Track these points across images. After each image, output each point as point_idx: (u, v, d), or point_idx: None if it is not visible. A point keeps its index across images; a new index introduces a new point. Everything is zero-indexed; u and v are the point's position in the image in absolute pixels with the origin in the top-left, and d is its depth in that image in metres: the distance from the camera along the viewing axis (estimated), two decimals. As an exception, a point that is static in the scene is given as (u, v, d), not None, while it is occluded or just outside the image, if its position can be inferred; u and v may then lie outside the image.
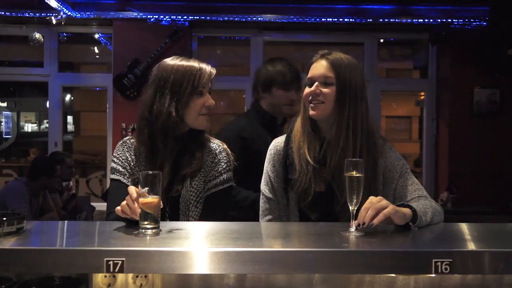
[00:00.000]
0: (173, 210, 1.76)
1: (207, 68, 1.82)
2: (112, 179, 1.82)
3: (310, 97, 1.74)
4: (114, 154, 1.86)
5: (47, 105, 5.98)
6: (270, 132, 2.40)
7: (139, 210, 1.38)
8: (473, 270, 1.23)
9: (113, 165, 1.83)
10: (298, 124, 1.80)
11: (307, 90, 1.76)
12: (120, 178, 1.79)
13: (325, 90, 1.73)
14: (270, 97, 2.50)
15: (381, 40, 6.10)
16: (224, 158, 1.86)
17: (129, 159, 1.81)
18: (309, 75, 1.78)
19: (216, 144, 1.90)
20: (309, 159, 1.72)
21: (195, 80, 1.77)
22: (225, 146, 1.92)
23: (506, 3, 5.00)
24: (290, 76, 2.35)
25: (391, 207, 1.37)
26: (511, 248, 1.24)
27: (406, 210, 1.43)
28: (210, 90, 1.84)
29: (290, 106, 2.26)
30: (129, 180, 1.78)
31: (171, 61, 1.82)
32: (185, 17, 5.45)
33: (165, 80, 1.78)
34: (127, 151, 1.83)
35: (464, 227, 1.52)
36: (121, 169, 1.81)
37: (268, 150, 1.88)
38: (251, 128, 2.50)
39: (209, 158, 1.85)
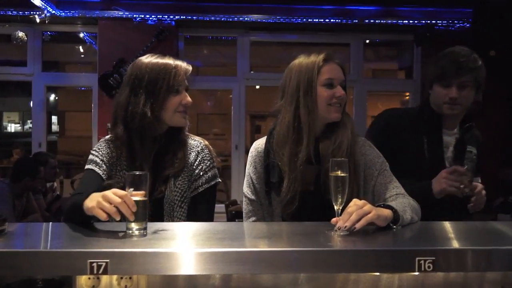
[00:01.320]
0: (157, 212, 1.73)
1: (182, 65, 1.80)
2: (86, 169, 1.78)
3: (335, 100, 1.74)
4: (94, 148, 1.83)
5: (31, 105, 5.91)
6: (428, 130, 2.11)
7: (134, 209, 1.34)
8: (456, 267, 1.25)
9: (91, 157, 1.80)
10: (283, 126, 1.76)
11: (328, 92, 1.74)
12: (95, 168, 1.75)
13: (345, 92, 1.77)
14: (432, 93, 2.16)
15: (367, 41, 6.15)
16: (207, 155, 1.84)
17: (110, 155, 1.79)
18: (329, 76, 1.75)
19: (197, 141, 1.87)
20: (298, 164, 1.72)
21: (170, 78, 1.75)
22: (207, 142, 1.89)
23: (489, 6, 5.06)
24: (450, 71, 2.01)
25: (373, 213, 1.38)
26: (493, 246, 1.26)
27: (388, 212, 1.44)
28: (187, 88, 1.81)
29: (451, 105, 2.01)
30: (104, 173, 1.75)
31: (145, 59, 1.78)
32: (171, 16, 5.43)
33: (140, 79, 1.74)
34: (109, 148, 1.80)
35: (446, 225, 1.54)
36: (98, 161, 1.77)
37: (250, 152, 1.88)
38: (397, 120, 2.22)
39: (191, 156, 1.82)
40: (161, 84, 1.74)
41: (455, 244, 1.31)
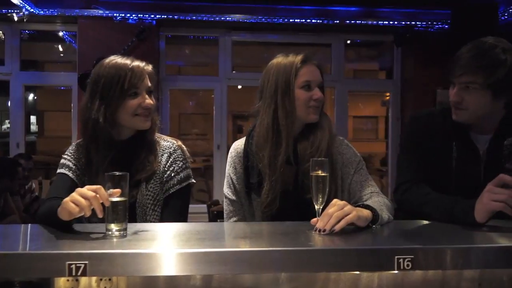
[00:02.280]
0: (129, 217, 1.71)
1: (139, 66, 1.73)
2: (58, 173, 1.76)
3: (312, 102, 1.74)
4: (66, 152, 1.81)
5: (9, 105, 5.81)
6: (456, 136, 1.78)
7: (108, 204, 1.31)
8: (434, 266, 1.26)
9: (63, 161, 1.77)
10: (262, 128, 1.76)
11: (306, 94, 1.74)
12: (68, 172, 1.73)
13: (322, 94, 1.77)
14: None
15: (348, 41, 6.19)
16: (180, 156, 1.81)
17: (81, 161, 1.76)
18: (306, 78, 1.75)
19: (170, 142, 1.84)
20: (278, 166, 1.72)
21: (124, 82, 1.69)
22: (180, 143, 1.86)
23: (467, 7, 5.14)
24: (451, 68, 1.71)
25: (353, 214, 1.38)
26: (470, 244, 1.28)
27: (367, 213, 1.45)
28: (150, 89, 1.75)
29: (455, 110, 1.71)
30: (77, 178, 1.73)
31: (106, 61, 1.74)
32: (152, 15, 5.39)
33: (97, 83, 1.71)
34: (80, 153, 1.78)
35: (425, 224, 1.56)
36: (71, 165, 1.75)
37: (229, 153, 1.88)
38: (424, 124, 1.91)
39: (163, 158, 1.80)
40: (114, 88, 1.69)
41: (433, 243, 1.33)
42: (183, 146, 1.86)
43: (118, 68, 1.70)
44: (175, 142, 1.85)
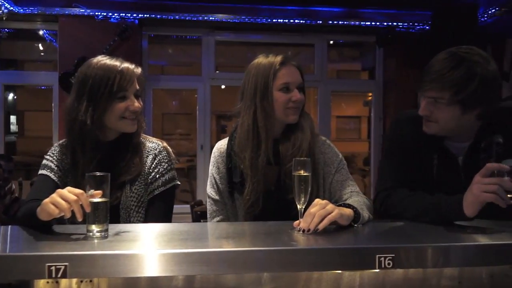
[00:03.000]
0: (112, 219, 1.69)
1: (129, 69, 1.71)
2: (40, 174, 1.73)
3: (291, 104, 1.74)
4: (48, 153, 1.78)
5: (-12, 105, 5.71)
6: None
7: (89, 210, 1.30)
8: (415, 264, 1.28)
9: (45, 162, 1.75)
10: (243, 130, 1.77)
11: (285, 96, 1.74)
12: (49, 174, 1.71)
13: (302, 95, 1.78)
14: None
15: (331, 42, 6.22)
16: (165, 157, 1.81)
17: (64, 161, 1.74)
18: (285, 80, 1.75)
19: (155, 143, 1.83)
20: (259, 167, 1.72)
21: (113, 84, 1.66)
22: (165, 144, 1.85)
23: (447, 9, 5.21)
24: (421, 80, 1.68)
25: (336, 212, 1.39)
26: (449, 243, 1.30)
27: (349, 211, 1.46)
28: (138, 92, 1.74)
29: (425, 122, 1.70)
30: (59, 179, 1.71)
31: (94, 60, 1.72)
32: (134, 15, 5.35)
33: (84, 84, 1.68)
34: (63, 153, 1.76)
35: (406, 223, 1.57)
36: (53, 166, 1.73)
37: (212, 153, 1.88)
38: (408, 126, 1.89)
39: (148, 159, 1.78)
40: (102, 90, 1.66)
41: (414, 241, 1.34)
42: (168, 147, 1.85)
43: (107, 70, 1.68)
44: (160, 143, 1.84)
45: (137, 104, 1.72)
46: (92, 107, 1.67)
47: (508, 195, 1.40)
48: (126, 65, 1.71)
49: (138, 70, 1.75)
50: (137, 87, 1.73)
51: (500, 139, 1.64)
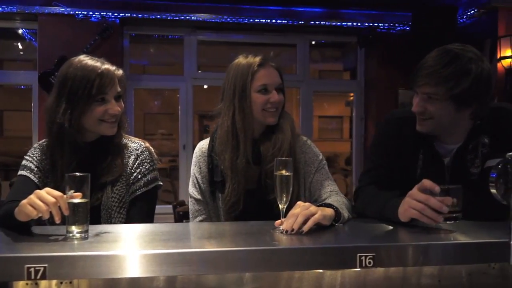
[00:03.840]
0: (93, 220, 1.67)
1: (109, 71, 1.68)
2: (19, 175, 1.70)
3: (269, 105, 1.75)
4: (28, 153, 1.76)
5: (-35, 104, 5.61)
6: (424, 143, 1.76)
7: (67, 213, 1.29)
8: (395, 263, 1.29)
9: (25, 162, 1.72)
10: (223, 131, 1.77)
11: (263, 97, 1.74)
12: (29, 175, 1.68)
13: (281, 96, 1.76)
14: None
15: (313, 42, 6.25)
16: (147, 158, 1.79)
17: (44, 162, 1.72)
18: (263, 82, 1.74)
19: (137, 143, 1.81)
20: (239, 168, 1.72)
21: (92, 87, 1.63)
22: (147, 144, 1.84)
23: (427, 10, 5.28)
24: (412, 76, 1.67)
25: (319, 213, 1.40)
26: (429, 241, 1.31)
27: (331, 211, 1.47)
28: (119, 94, 1.71)
29: (418, 119, 1.68)
30: (39, 180, 1.68)
31: (75, 61, 1.69)
32: (115, 14, 5.30)
33: (64, 85, 1.66)
34: (44, 154, 1.73)
35: (386, 222, 1.58)
36: (33, 167, 1.70)
37: (194, 153, 1.88)
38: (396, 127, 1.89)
39: (130, 159, 1.77)
40: (81, 92, 1.63)
41: (394, 240, 1.36)
42: (151, 147, 1.84)
43: (86, 71, 1.64)
44: (142, 143, 1.83)
45: (116, 107, 1.69)
46: (71, 109, 1.64)
47: (444, 213, 1.39)
48: (106, 66, 1.68)
49: (119, 72, 1.73)
50: (118, 89, 1.71)
51: (485, 139, 1.66)
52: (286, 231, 1.37)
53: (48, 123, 1.68)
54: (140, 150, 1.79)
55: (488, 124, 1.67)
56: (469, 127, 1.68)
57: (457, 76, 1.55)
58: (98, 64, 1.67)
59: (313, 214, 1.38)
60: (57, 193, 1.31)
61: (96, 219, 1.68)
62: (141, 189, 1.75)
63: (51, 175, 1.69)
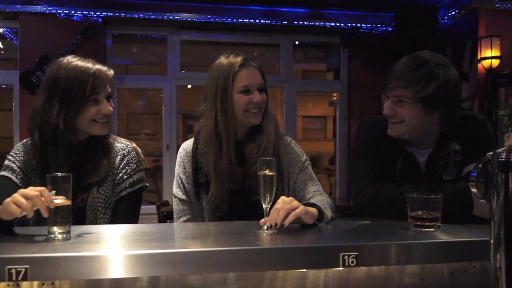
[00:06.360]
0: (78, 220, 1.66)
1: (102, 71, 1.69)
2: (1, 176, 1.68)
3: (251, 106, 1.74)
4: (11, 153, 1.73)
5: None
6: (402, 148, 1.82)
7: (52, 205, 1.27)
8: (378, 261, 1.30)
9: (7, 162, 1.70)
10: (206, 132, 1.76)
11: (245, 98, 1.73)
12: (11, 176, 1.66)
13: (264, 96, 1.76)
14: None
15: (296, 42, 6.27)
16: (134, 158, 1.79)
17: (28, 162, 1.70)
18: (245, 83, 1.73)
19: (124, 144, 1.81)
20: (223, 169, 1.72)
21: (86, 88, 1.64)
22: (134, 145, 1.84)
23: (409, 11, 5.33)
24: (383, 79, 1.74)
25: (301, 208, 1.41)
26: (411, 240, 1.33)
27: (314, 210, 1.48)
28: (110, 94, 1.72)
29: (389, 123, 1.74)
30: (21, 181, 1.66)
31: (65, 61, 1.68)
32: (98, 13, 5.26)
33: (55, 86, 1.65)
34: (27, 153, 1.71)
35: (369, 221, 1.60)
36: (15, 167, 1.68)
37: (178, 153, 1.87)
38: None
39: (116, 160, 1.76)
40: (75, 94, 1.64)
41: (377, 240, 1.37)
42: (137, 148, 1.84)
43: (79, 72, 1.65)
44: (129, 144, 1.82)
45: (108, 107, 1.70)
46: (65, 110, 1.64)
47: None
48: (98, 67, 1.69)
49: (111, 72, 1.73)
50: (109, 90, 1.72)
51: (457, 146, 1.74)
52: (270, 226, 1.37)
53: (40, 124, 1.66)
54: (126, 151, 1.79)
55: (457, 131, 1.74)
56: (438, 133, 1.74)
57: (425, 79, 1.63)
58: (89, 65, 1.68)
59: (294, 209, 1.39)
60: (39, 188, 1.29)
61: (82, 220, 1.67)
62: (127, 190, 1.74)
63: (39, 176, 1.67)
